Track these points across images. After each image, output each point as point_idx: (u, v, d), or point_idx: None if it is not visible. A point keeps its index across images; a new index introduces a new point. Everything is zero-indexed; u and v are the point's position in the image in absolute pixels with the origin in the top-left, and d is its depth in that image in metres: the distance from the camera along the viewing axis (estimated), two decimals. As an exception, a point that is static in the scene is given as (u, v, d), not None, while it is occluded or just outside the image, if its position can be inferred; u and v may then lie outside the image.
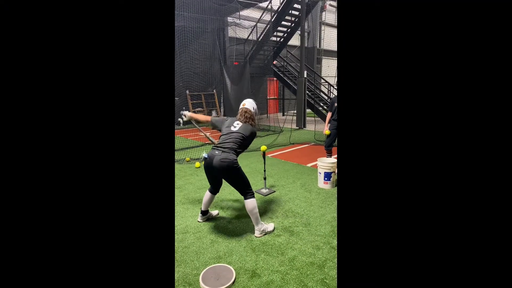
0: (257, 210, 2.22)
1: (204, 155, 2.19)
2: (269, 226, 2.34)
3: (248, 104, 2.43)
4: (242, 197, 2.99)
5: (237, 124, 2.32)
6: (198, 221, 2.51)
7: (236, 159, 2.17)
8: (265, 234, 2.27)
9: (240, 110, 2.41)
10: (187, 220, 2.55)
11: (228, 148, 2.16)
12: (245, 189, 2.22)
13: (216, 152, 2.15)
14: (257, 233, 2.24)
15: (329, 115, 3.91)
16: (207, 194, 2.46)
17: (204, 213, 2.51)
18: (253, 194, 2.24)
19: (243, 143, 2.27)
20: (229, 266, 1.85)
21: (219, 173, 2.16)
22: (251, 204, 2.19)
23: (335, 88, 10.05)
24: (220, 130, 2.38)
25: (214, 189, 2.43)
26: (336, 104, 3.78)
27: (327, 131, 3.80)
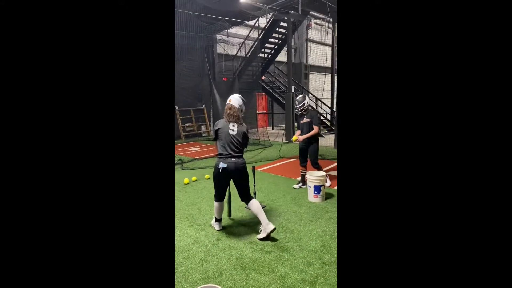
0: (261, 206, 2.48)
1: (222, 165, 2.35)
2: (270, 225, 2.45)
3: (234, 100, 2.48)
4: (233, 214, 2.95)
5: (233, 126, 2.42)
6: (217, 230, 2.61)
7: (245, 162, 2.46)
8: (272, 232, 2.38)
9: (226, 107, 2.48)
10: (175, 238, 2.47)
11: (239, 152, 2.41)
12: (249, 191, 2.49)
13: (233, 159, 2.37)
14: (262, 234, 2.38)
15: (298, 132, 3.80)
16: (217, 205, 2.54)
17: (219, 220, 2.63)
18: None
19: (244, 144, 2.48)
20: (218, 286, 1.78)
21: (238, 176, 2.41)
22: (256, 203, 2.45)
23: (323, 103, 10.28)
24: (215, 138, 2.48)
25: (221, 197, 2.53)
26: (301, 121, 3.69)
27: (294, 137, 3.70)
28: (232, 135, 2.38)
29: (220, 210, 2.57)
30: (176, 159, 5.77)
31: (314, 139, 3.65)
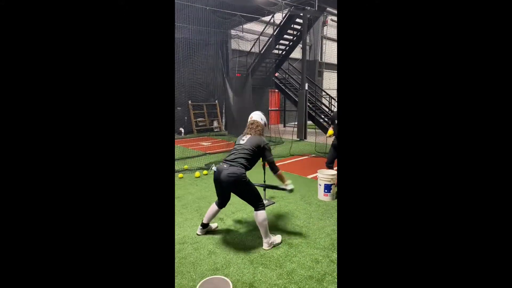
0: (267, 222, 2.19)
1: (214, 168, 2.22)
2: (277, 238, 2.31)
3: (256, 116, 2.41)
4: (242, 208, 2.99)
5: (245, 137, 2.30)
6: (197, 234, 2.45)
7: (244, 173, 2.12)
8: (273, 247, 2.23)
9: (248, 123, 2.39)
10: (185, 230, 2.53)
11: (236, 162, 2.14)
12: (256, 201, 2.19)
13: (224, 166, 2.14)
14: (265, 246, 2.20)
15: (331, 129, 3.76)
16: (213, 207, 2.40)
17: (205, 225, 2.45)
18: (264, 206, 2.21)
19: (252, 157, 2.21)
20: (226, 278, 1.81)
21: (227, 187, 2.15)
22: (261, 215, 2.16)
23: (336, 101, 10.15)
24: None
25: (221, 203, 2.38)
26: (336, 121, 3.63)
27: (330, 131, 3.61)
28: (239, 143, 2.27)
29: (211, 214, 2.39)
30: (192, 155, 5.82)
31: None
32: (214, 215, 2.42)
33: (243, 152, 2.20)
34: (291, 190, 2.38)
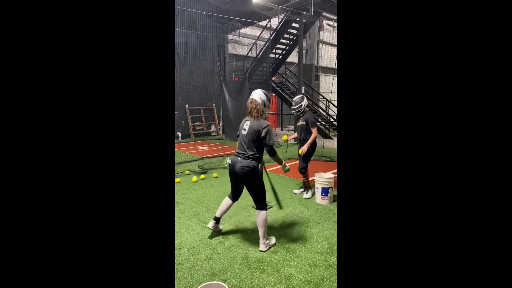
0: (266, 223, 2.26)
1: (228, 161, 2.28)
2: (272, 239, 2.36)
3: (256, 94, 2.26)
4: (238, 213, 2.97)
5: (246, 125, 2.24)
6: (209, 228, 2.46)
7: (257, 166, 2.19)
8: (269, 248, 2.26)
9: (247, 103, 2.28)
10: (182, 235, 2.51)
11: (249, 153, 2.18)
12: (262, 200, 2.26)
13: (238, 158, 2.21)
14: (262, 247, 2.23)
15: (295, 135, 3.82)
16: (227, 201, 2.44)
17: (217, 220, 2.47)
18: (267, 207, 2.28)
19: (258, 143, 2.19)
20: (223, 284, 1.80)
21: (241, 179, 2.24)
22: (263, 215, 2.23)
23: (333, 104, 10.19)
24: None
25: (235, 196, 2.43)
26: (297, 123, 3.59)
27: (285, 137, 3.68)
28: (243, 134, 2.23)
29: (224, 208, 2.43)
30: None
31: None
32: (227, 209, 2.45)
33: (248, 142, 2.19)
34: (287, 170, 2.46)
